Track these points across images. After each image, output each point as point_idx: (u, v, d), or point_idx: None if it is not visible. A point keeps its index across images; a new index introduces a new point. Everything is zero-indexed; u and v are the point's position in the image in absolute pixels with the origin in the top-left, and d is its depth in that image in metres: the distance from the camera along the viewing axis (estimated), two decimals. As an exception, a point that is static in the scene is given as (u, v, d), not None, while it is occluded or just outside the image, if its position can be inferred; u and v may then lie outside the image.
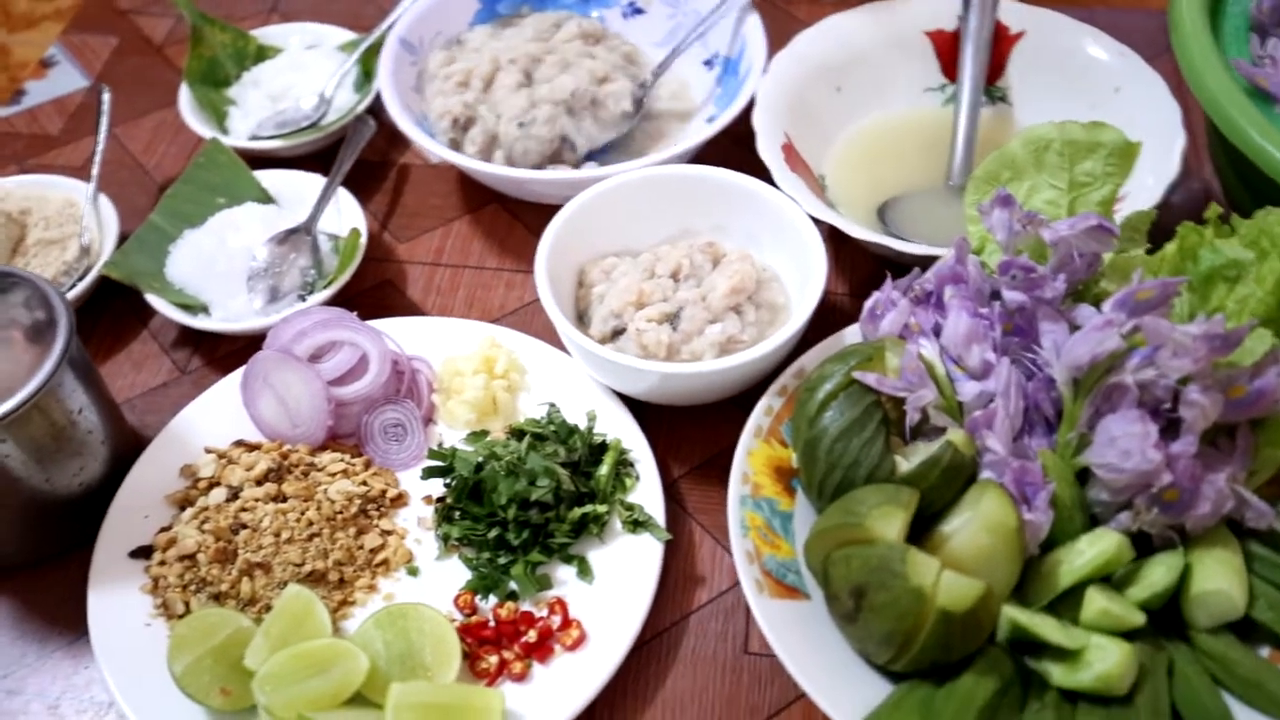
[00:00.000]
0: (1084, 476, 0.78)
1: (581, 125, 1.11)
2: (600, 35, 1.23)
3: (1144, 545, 0.77)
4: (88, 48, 1.38)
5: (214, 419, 0.94)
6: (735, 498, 0.82)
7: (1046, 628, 0.73)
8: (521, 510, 0.84)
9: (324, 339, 0.93)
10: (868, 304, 0.87)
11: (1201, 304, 0.78)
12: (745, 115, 1.08)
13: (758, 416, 0.87)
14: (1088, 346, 0.74)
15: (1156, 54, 1.10)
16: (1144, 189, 0.97)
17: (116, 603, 0.82)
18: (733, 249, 0.98)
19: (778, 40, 1.14)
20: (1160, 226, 0.86)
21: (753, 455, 0.85)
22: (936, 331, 0.83)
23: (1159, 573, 0.74)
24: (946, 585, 0.70)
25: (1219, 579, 0.73)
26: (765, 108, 1.06)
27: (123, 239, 1.07)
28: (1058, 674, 0.72)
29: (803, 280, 0.96)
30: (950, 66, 1.17)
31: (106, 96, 1.16)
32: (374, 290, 1.09)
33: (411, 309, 1.07)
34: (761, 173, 0.99)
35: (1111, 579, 0.76)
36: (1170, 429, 0.74)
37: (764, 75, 1.09)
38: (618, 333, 0.94)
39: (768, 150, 1.02)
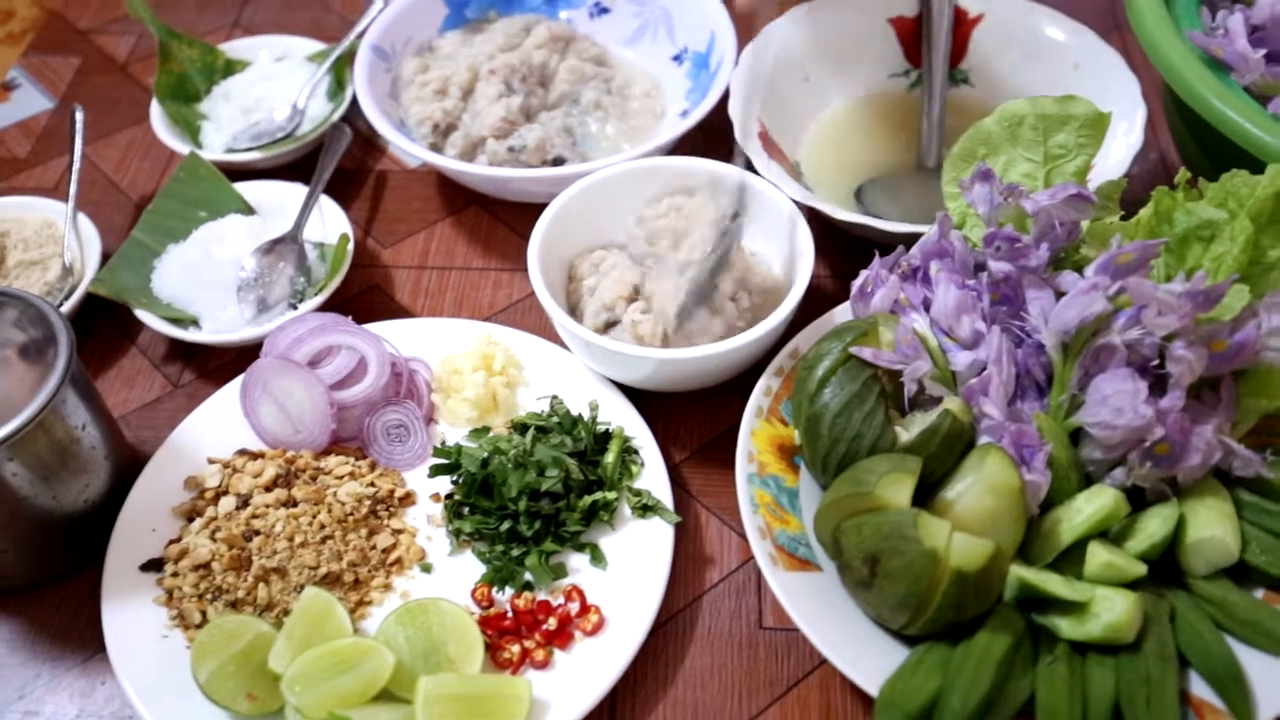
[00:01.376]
0: (1075, 437, 0.81)
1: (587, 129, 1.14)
2: (570, 38, 1.25)
3: (1137, 500, 0.80)
4: (49, 69, 1.37)
5: (213, 430, 0.94)
6: (743, 475, 0.83)
7: (1053, 583, 0.75)
8: (532, 501, 0.85)
9: (321, 344, 0.94)
10: (857, 282, 0.89)
11: (1179, 264, 0.81)
12: (716, 108, 1.10)
13: (758, 397, 0.89)
14: (1076, 310, 0.77)
15: (1104, 31, 1.14)
16: (1108, 160, 1.00)
17: (131, 616, 0.82)
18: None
19: (741, 33, 1.16)
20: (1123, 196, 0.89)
21: (756, 435, 0.87)
22: (925, 305, 0.86)
23: (1155, 524, 0.77)
24: (958, 546, 0.72)
25: (1213, 526, 0.76)
26: (739, 98, 1.08)
27: (104, 257, 1.07)
28: (1066, 627, 0.75)
29: (788, 264, 0.98)
30: (913, 52, 1.20)
31: (79, 116, 1.15)
32: (362, 296, 1.09)
33: (401, 312, 1.07)
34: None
35: (1109, 534, 0.79)
36: (1157, 386, 0.77)
37: (735, 67, 1.11)
38: (610, 324, 0.95)
39: (746, 139, 1.04)
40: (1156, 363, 0.77)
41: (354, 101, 1.21)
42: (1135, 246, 0.77)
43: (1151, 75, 1.10)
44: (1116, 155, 1.00)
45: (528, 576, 0.85)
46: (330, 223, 1.09)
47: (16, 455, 0.79)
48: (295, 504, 0.86)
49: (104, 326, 1.07)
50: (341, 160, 1.20)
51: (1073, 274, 0.81)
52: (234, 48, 1.29)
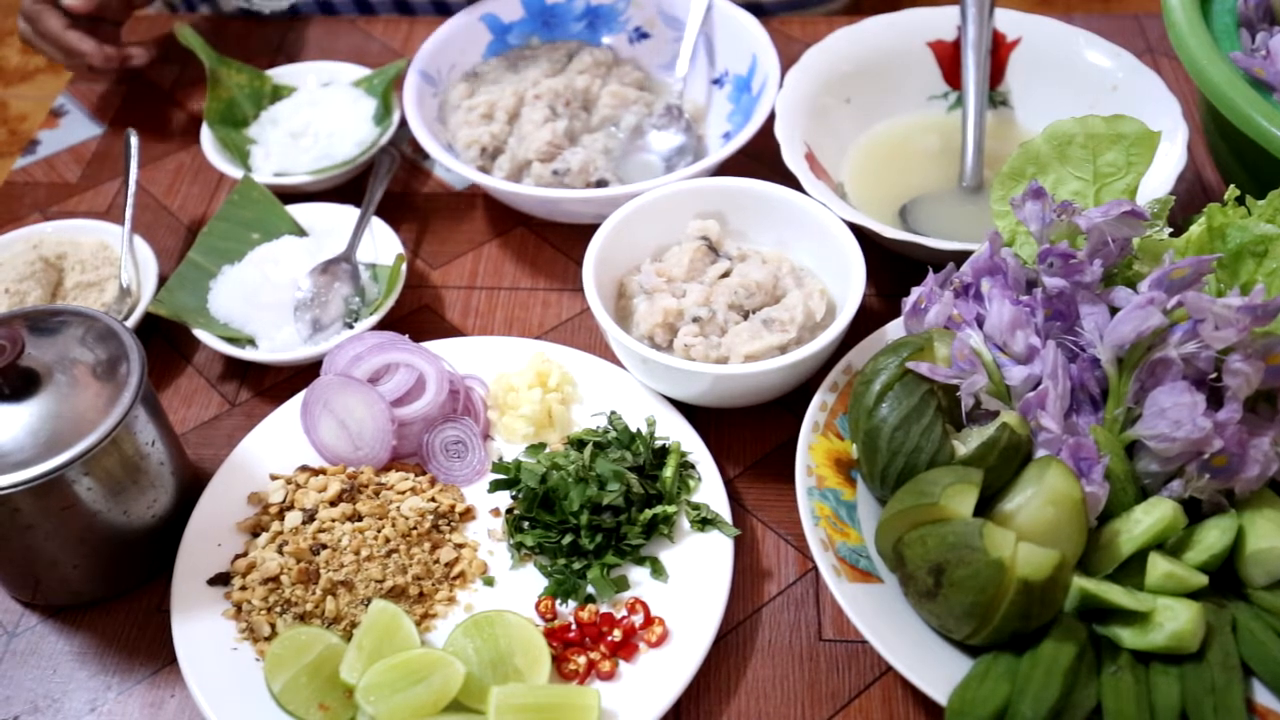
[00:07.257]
0: (1130, 451, 0.82)
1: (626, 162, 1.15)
2: (612, 64, 1.27)
3: (1193, 512, 0.81)
4: (96, 96, 1.39)
5: (272, 448, 0.95)
6: (803, 489, 0.85)
7: (1115, 594, 0.76)
8: (594, 515, 0.86)
9: (380, 362, 0.95)
10: (910, 299, 0.90)
11: (1232, 279, 0.83)
12: (759, 131, 1.11)
13: (814, 412, 0.90)
14: (1132, 325, 0.78)
15: (1135, 54, 1.16)
16: (1151, 178, 1.02)
17: (201, 629, 0.83)
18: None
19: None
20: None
21: (813, 449, 0.88)
22: (978, 321, 0.87)
23: (1214, 535, 0.78)
24: (1024, 556, 0.73)
25: (1271, 537, 0.77)
26: (785, 120, 1.10)
27: (160, 279, 1.08)
28: (1128, 637, 0.76)
29: (837, 282, 0.99)
30: (952, 75, 1.22)
31: (134, 140, 1.17)
32: (413, 315, 1.11)
33: (452, 331, 1.09)
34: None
35: (1165, 545, 0.80)
36: (1212, 399, 0.78)
37: (780, 90, 1.13)
38: (658, 347, 0.97)
39: (793, 160, 1.05)
40: (1213, 376, 0.78)
41: (398, 126, 1.23)
42: (1190, 262, 0.78)
43: (1184, 97, 1.12)
44: (1160, 174, 1.01)
45: (590, 589, 0.86)
46: (381, 244, 1.11)
47: (90, 471, 0.81)
48: (360, 519, 0.88)
49: (159, 347, 1.09)
50: (388, 184, 1.21)
51: (1126, 289, 0.82)
52: (280, 74, 1.31)
